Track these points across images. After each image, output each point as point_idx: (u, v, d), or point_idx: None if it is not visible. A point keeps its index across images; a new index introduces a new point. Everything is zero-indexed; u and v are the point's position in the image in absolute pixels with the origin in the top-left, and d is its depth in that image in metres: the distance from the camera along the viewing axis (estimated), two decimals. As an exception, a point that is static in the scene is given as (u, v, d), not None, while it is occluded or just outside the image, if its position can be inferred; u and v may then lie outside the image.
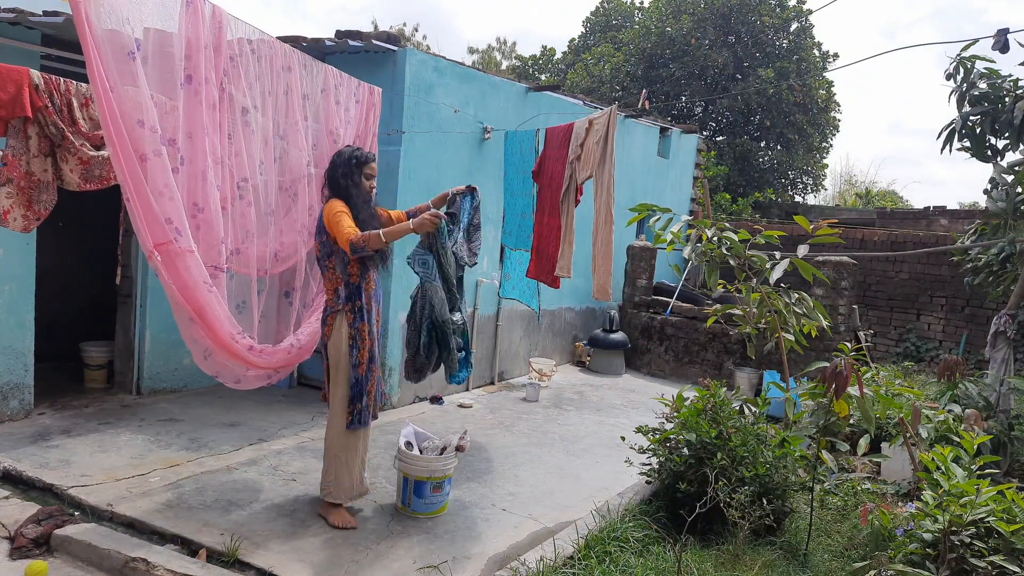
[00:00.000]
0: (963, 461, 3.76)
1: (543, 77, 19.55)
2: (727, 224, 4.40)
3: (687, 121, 15.66)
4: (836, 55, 16.27)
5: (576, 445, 5.74)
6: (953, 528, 3.09)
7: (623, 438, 4.75)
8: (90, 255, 6.91)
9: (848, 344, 4.05)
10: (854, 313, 7.99)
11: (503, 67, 23.05)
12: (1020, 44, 5.21)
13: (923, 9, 48.61)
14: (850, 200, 18.88)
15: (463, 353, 4.46)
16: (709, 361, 8.60)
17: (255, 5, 38.53)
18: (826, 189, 19.23)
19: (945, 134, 5.73)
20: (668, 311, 9.11)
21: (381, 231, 3.62)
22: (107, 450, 4.59)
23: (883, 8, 42.16)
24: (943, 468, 3.54)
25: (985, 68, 5.55)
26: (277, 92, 4.14)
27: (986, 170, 6.09)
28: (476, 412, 6.42)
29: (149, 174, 3.25)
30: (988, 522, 3.06)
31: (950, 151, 5.83)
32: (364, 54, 6.03)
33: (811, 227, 4.29)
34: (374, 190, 3.96)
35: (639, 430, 4.43)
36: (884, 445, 5.22)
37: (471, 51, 24.80)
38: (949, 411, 5.03)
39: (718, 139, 15.85)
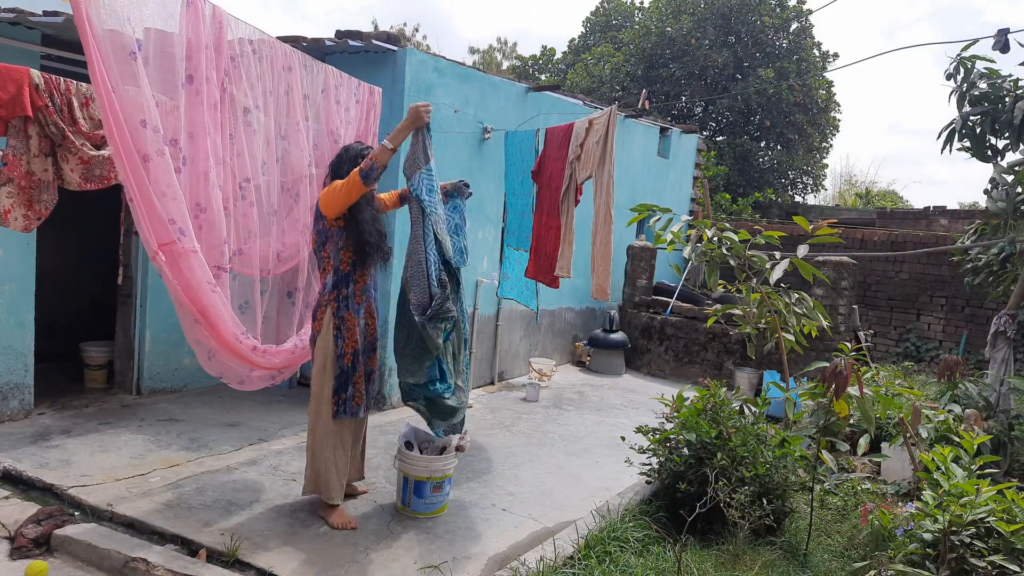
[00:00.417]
0: (963, 461, 3.76)
1: (543, 77, 19.56)
2: (727, 224, 4.41)
3: (687, 121, 15.67)
4: (836, 55, 16.29)
5: (576, 445, 5.74)
6: (953, 528, 3.09)
7: (623, 438, 4.75)
8: (90, 255, 6.91)
9: (848, 344, 4.05)
10: (854, 313, 7.99)
11: (504, 67, 23.05)
12: (1020, 44, 5.21)
13: (922, 9, 48.65)
14: (850, 200, 18.88)
15: (446, 384, 4.03)
16: (709, 361, 8.60)
17: (254, 5, 38.55)
18: (826, 189, 19.24)
19: (945, 134, 5.74)
20: (668, 311, 9.11)
21: (384, 141, 3.57)
22: (107, 450, 4.59)
23: (882, 8, 42.19)
24: (943, 468, 3.54)
25: (985, 68, 5.55)
26: (278, 92, 4.14)
27: (986, 170, 6.09)
28: (476, 412, 6.42)
29: (152, 174, 3.26)
30: (988, 522, 3.06)
31: (950, 151, 5.84)
32: (364, 54, 6.03)
33: (811, 227, 4.29)
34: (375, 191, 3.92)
35: (639, 430, 4.43)
36: (884, 445, 5.22)
37: (472, 51, 24.81)
38: (949, 411, 5.03)
39: (718, 139, 15.85)
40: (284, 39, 4.81)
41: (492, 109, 6.91)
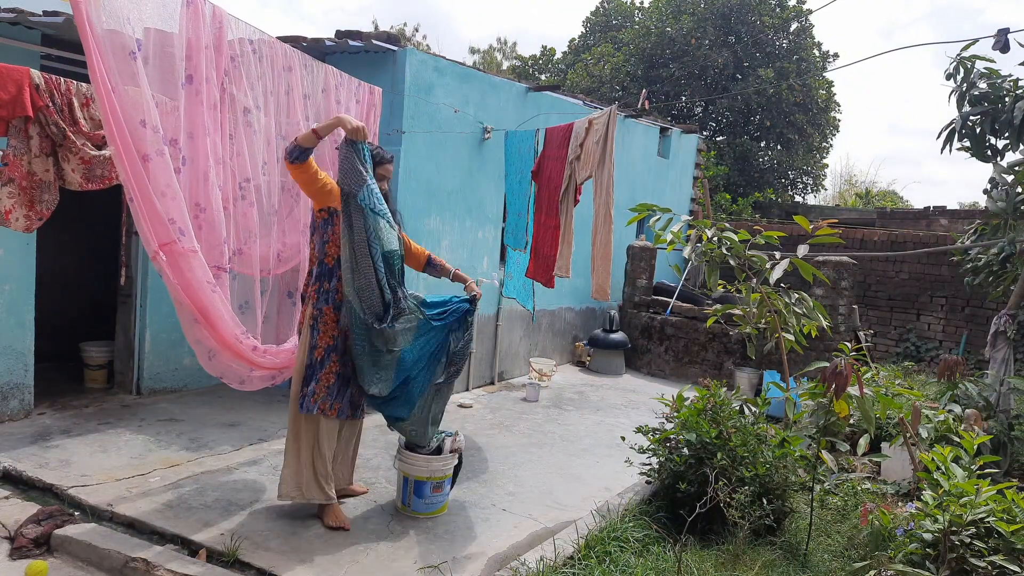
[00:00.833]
0: (963, 461, 3.76)
1: (543, 77, 19.56)
2: (727, 224, 4.41)
3: (687, 121, 15.67)
4: (836, 55, 16.30)
5: (576, 445, 5.74)
6: (953, 528, 3.09)
7: (623, 438, 4.75)
8: (90, 255, 6.91)
9: (848, 344, 4.05)
10: (854, 313, 7.99)
11: (504, 67, 23.05)
12: (1020, 44, 5.21)
13: (921, 9, 48.65)
14: (850, 200, 18.89)
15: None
16: (709, 361, 8.60)
17: (252, 5, 38.56)
18: (826, 189, 19.25)
19: (945, 134, 5.74)
20: (668, 311, 9.11)
21: (313, 126, 3.52)
22: (107, 450, 4.59)
23: (881, 8, 42.20)
24: (943, 468, 3.54)
25: (985, 68, 5.55)
26: (278, 92, 4.15)
27: (986, 170, 6.09)
28: (476, 412, 6.42)
29: (152, 174, 3.26)
30: (988, 522, 3.06)
31: (950, 151, 5.84)
32: (364, 54, 6.03)
33: (811, 227, 4.30)
34: (387, 192, 3.82)
35: (639, 430, 4.43)
36: (884, 445, 5.22)
37: (472, 51, 24.81)
38: (949, 411, 5.03)
39: (718, 139, 15.85)
40: (284, 39, 4.82)
41: (492, 109, 6.91)
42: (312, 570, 3.32)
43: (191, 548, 3.47)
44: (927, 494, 3.40)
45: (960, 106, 5.63)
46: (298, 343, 3.81)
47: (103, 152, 4.00)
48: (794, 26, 15.45)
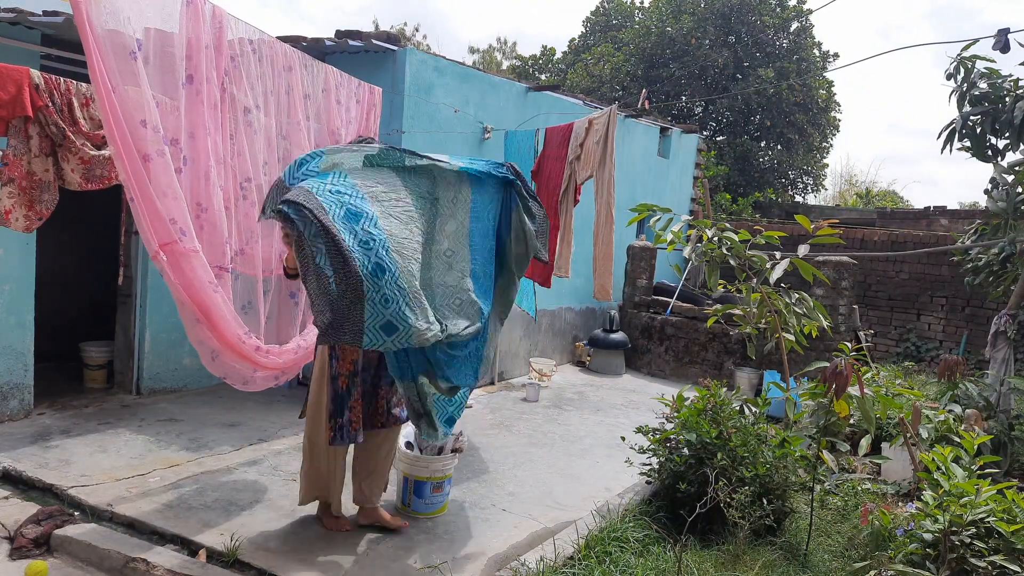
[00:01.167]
0: (963, 461, 3.76)
1: (543, 77, 19.56)
2: (727, 224, 4.41)
3: (687, 121, 15.67)
4: (836, 55, 16.30)
5: (576, 445, 5.73)
6: (953, 528, 3.09)
7: (623, 438, 4.74)
8: (90, 255, 6.91)
9: (848, 344, 4.05)
10: (854, 313, 7.99)
11: (504, 67, 23.06)
12: (1020, 44, 5.21)
13: (920, 9, 48.66)
14: (850, 200, 18.89)
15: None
16: (709, 361, 8.60)
17: (251, 5, 38.55)
18: (826, 189, 19.25)
19: (945, 134, 5.74)
20: (668, 311, 9.11)
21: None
22: (107, 450, 4.59)
23: (881, 8, 42.19)
24: (943, 468, 3.54)
25: (985, 68, 5.55)
26: (279, 92, 4.14)
27: (985, 170, 6.10)
28: (476, 412, 6.42)
29: (153, 174, 3.26)
30: (988, 522, 3.06)
31: (950, 151, 5.84)
32: (364, 54, 6.03)
33: (811, 227, 4.30)
34: None
35: (639, 430, 4.43)
36: (884, 445, 5.22)
37: (472, 51, 24.82)
38: (949, 411, 5.03)
39: (718, 139, 15.85)
40: (284, 39, 4.81)
41: (492, 109, 6.91)
42: (312, 570, 3.32)
43: (191, 548, 3.47)
44: (927, 494, 3.40)
45: (960, 106, 5.63)
46: (316, 355, 3.64)
47: (103, 152, 4.00)
48: (794, 26, 15.45)
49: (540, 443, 5.70)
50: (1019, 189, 5.85)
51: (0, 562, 3.31)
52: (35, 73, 3.79)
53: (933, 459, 3.64)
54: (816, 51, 15.79)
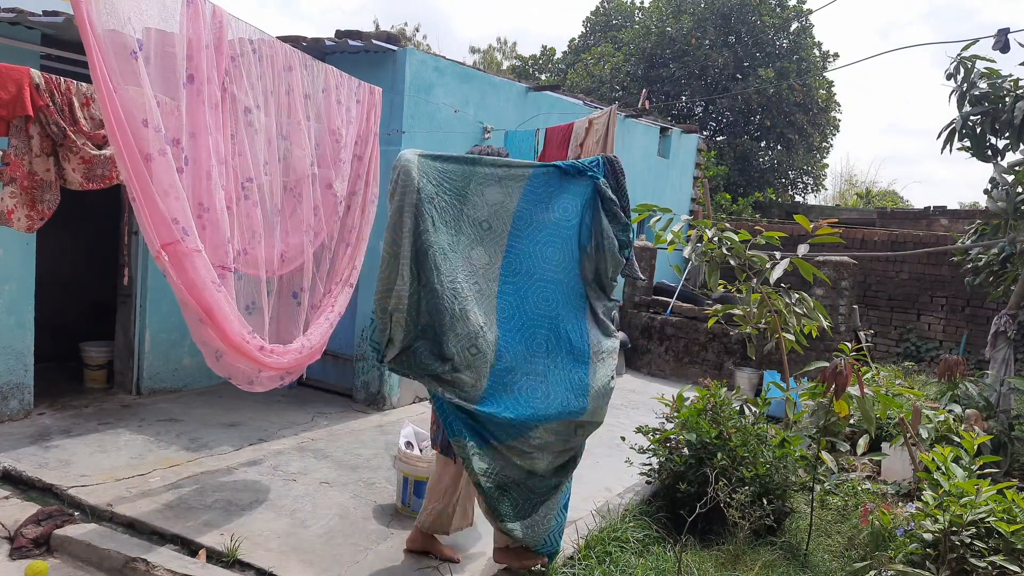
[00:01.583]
0: (963, 461, 3.76)
1: (543, 77, 19.56)
2: (727, 224, 4.41)
3: (687, 121, 15.67)
4: (836, 55, 16.31)
5: (576, 445, 5.72)
6: (953, 528, 3.09)
7: (623, 438, 4.74)
8: (90, 255, 6.91)
9: (848, 344, 4.06)
10: (854, 313, 7.99)
11: (504, 67, 23.06)
12: (1020, 44, 5.22)
13: (919, 9, 48.66)
14: (850, 200, 18.89)
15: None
16: (709, 361, 8.60)
17: (250, 5, 38.53)
18: (826, 189, 19.25)
19: (945, 134, 5.74)
20: (668, 311, 9.11)
21: None
22: (107, 450, 4.59)
23: (879, 8, 42.19)
24: (943, 468, 3.55)
25: (985, 68, 5.55)
26: (279, 92, 4.14)
27: (985, 170, 6.10)
28: (476, 412, 6.42)
29: (154, 174, 3.25)
30: (988, 522, 3.06)
31: (950, 151, 5.84)
32: (364, 54, 6.03)
33: (811, 227, 4.30)
34: None
35: (639, 430, 4.43)
36: (884, 445, 5.22)
37: (472, 51, 24.82)
38: (949, 411, 5.03)
39: (718, 139, 15.85)
40: (284, 39, 4.81)
41: (492, 109, 6.91)
42: (312, 570, 3.32)
43: (191, 548, 3.47)
44: (927, 494, 3.40)
45: (960, 106, 5.63)
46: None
47: (103, 151, 4.00)
48: (794, 26, 15.46)
49: (540, 443, 5.69)
50: (1019, 189, 5.85)
51: (0, 562, 3.31)
52: (36, 73, 3.79)
53: (933, 459, 3.64)
54: (816, 51, 15.79)
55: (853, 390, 3.73)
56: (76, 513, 3.73)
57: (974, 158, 5.73)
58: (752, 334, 4.56)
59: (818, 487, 3.96)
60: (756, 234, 4.41)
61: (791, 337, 4.48)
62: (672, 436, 4.19)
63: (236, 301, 3.74)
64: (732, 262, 4.35)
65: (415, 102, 6.01)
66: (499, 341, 3.09)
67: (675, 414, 4.33)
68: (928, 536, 3.17)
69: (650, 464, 4.30)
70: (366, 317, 6.19)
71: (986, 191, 6.23)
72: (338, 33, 5.80)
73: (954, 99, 5.67)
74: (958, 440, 4.28)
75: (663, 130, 10.27)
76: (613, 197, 3.31)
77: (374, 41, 5.73)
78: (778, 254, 4.51)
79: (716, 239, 4.33)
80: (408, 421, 4.47)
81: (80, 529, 3.52)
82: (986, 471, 3.96)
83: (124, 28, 3.12)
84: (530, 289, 3.21)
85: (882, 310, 10.32)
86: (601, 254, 3.31)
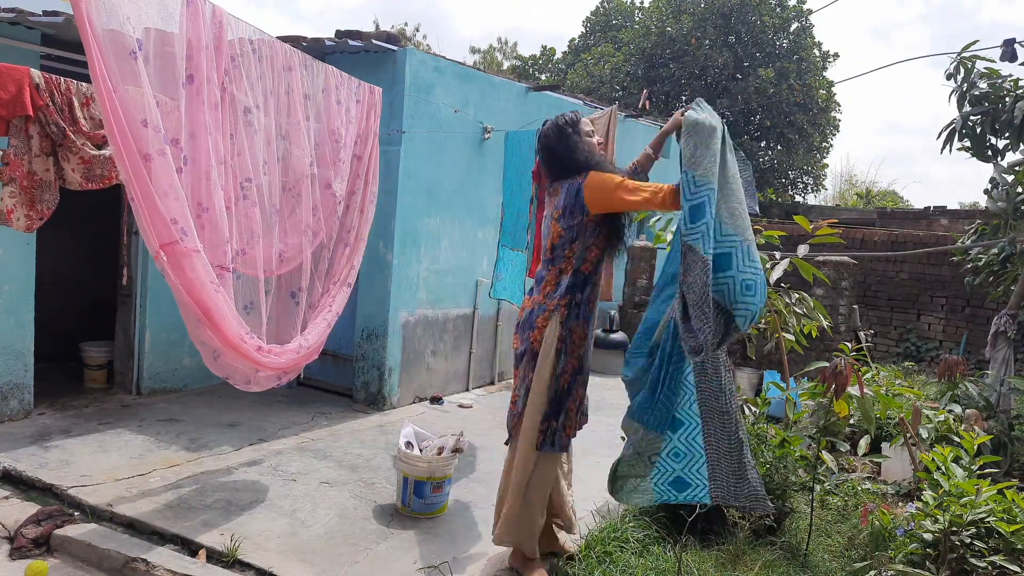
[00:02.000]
0: (963, 461, 3.76)
1: (543, 77, 19.57)
2: (727, 224, 4.39)
3: (687, 121, 15.64)
4: (836, 55, 16.34)
5: (576, 445, 5.71)
6: (953, 528, 3.09)
7: (623, 438, 4.73)
8: (90, 255, 6.91)
9: (848, 344, 4.06)
10: (854, 313, 7.99)
11: (504, 67, 23.06)
12: (1020, 44, 5.21)
13: (917, 8, 48.64)
14: (850, 200, 18.89)
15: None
16: (709, 361, 8.58)
17: (249, 5, 38.56)
18: (826, 189, 19.27)
19: (945, 134, 5.73)
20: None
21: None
22: (107, 450, 4.59)
23: (877, 7, 42.19)
24: (943, 468, 3.54)
25: (985, 68, 5.55)
26: (279, 92, 4.14)
27: (985, 170, 6.10)
28: (476, 412, 6.42)
29: (153, 174, 3.25)
30: (988, 522, 3.06)
31: (950, 151, 5.84)
32: (364, 54, 6.03)
33: (811, 227, 4.30)
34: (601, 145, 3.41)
35: (639, 430, 4.42)
36: (884, 445, 5.22)
37: (472, 51, 24.83)
38: (949, 411, 5.03)
39: (718, 139, 15.84)
40: (284, 39, 4.81)
41: (492, 109, 6.91)
42: (312, 570, 3.32)
43: (191, 548, 3.47)
44: (927, 494, 3.40)
45: (960, 106, 5.62)
46: (535, 369, 3.26)
47: (103, 151, 4.00)
48: (794, 26, 15.46)
49: (540, 443, 5.69)
50: (1019, 189, 5.85)
51: (0, 562, 3.31)
52: (35, 73, 3.79)
53: (933, 459, 3.64)
54: (816, 51, 15.79)
55: (853, 390, 3.73)
56: (76, 513, 3.73)
57: (974, 158, 5.73)
58: (752, 334, 4.56)
59: (818, 487, 3.96)
60: (756, 234, 4.41)
61: (791, 337, 4.48)
62: (672, 436, 4.18)
63: (234, 301, 3.74)
64: (732, 262, 4.33)
65: (415, 102, 6.01)
66: None
67: (675, 414, 4.32)
68: (928, 536, 3.17)
69: (650, 464, 4.29)
70: (366, 317, 6.20)
71: (986, 191, 6.23)
72: (338, 33, 5.80)
73: (954, 99, 5.67)
74: (958, 440, 4.27)
75: (663, 130, 10.27)
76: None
77: (374, 41, 5.73)
78: (778, 254, 4.51)
79: (716, 239, 4.31)
80: (408, 421, 4.48)
81: (80, 529, 3.52)
82: (986, 471, 3.96)
83: (124, 28, 3.12)
84: None
85: (882, 310, 10.32)
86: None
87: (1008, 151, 5.71)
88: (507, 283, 6.92)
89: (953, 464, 3.56)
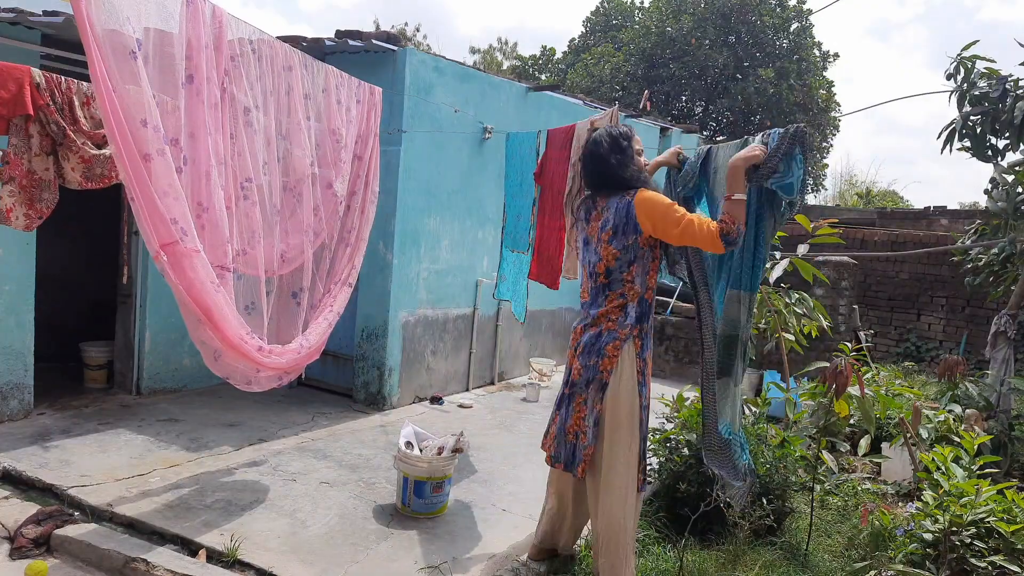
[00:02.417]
0: (963, 461, 3.76)
1: (543, 77, 19.58)
2: (727, 224, 4.39)
3: (687, 121, 15.67)
4: (836, 55, 16.37)
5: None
6: (953, 528, 3.09)
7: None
8: (90, 255, 6.91)
9: (848, 344, 4.06)
10: (854, 313, 7.99)
11: (504, 67, 23.06)
12: (1020, 44, 5.21)
13: (916, 8, 48.65)
14: (850, 200, 18.89)
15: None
16: (709, 361, 8.59)
17: (249, 5, 38.57)
18: (826, 189, 19.26)
19: (945, 134, 5.73)
20: (668, 311, 9.11)
21: (738, 193, 2.92)
22: (107, 450, 4.59)
23: (877, 7, 42.21)
24: (943, 468, 3.55)
25: (985, 68, 5.54)
26: (279, 92, 4.14)
27: (985, 170, 6.10)
28: (476, 412, 6.42)
29: (153, 174, 3.25)
30: (988, 522, 3.06)
31: (950, 151, 5.83)
32: (364, 54, 6.03)
33: (811, 227, 4.29)
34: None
35: (639, 430, 4.42)
36: (884, 445, 5.22)
37: (472, 51, 24.84)
38: (949, 411, 5.03)
39: (718, 139, 15.86)
40: (284, 39, 4.81)
41: (492, 109, 6.91)
42: (312, 570, 3.32)
43: (191, 548, 3.47)
44: (927, 494, 3.40)
45: (960, 106, 5.62)
46: (603, 402, 3.09)
47: (103, 151, 4.00)
48: (794, 26, 15.46)
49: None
50: (1019, 189, 5.85)
51: (0, 562, 3.31)
52: (36, 72, 3.79)
53: (933, 459, 3.64)
54: (816, 51, 15.80)
55: (853, 390, 3.73)
56: (76, 513, 3.73)
57: (974, 158, 5.72)
58: (752, 334, 4.56)
59: (818, 487, 3.96)
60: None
61: (791, 337, 4.48)
62: (672, 436, 4.19)
63: (235, 301, 3.74)
64: (732, 262, 4.33)
65: (415, 102, 6.01)
66: None
67: (675, 414, 4.33)
68: (928, 536, 3.17)
69: (650, 464, 4.30)
70: (366, 317, 6.20)
71: (986, 191, 6.23)
72: (338, 33, 5.80)
73: (954, 99, 5.66)
74: (958, 440, 4.28)
75: (663, 130, 10.27)
76: None
77: (374, 41, 5.73)
78: (778, 254, 4.51)
79: (716, 239, 4.31)
80: (408, 421, 4.48)
81: (80, 529, 3.52)
82: (986, 471, 3.96)
83: (123, 28, 3.12)
84: None
85: (882, 310, 10.32)
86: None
87: (1008, 151, 5.71)
88: (510, 284, 6.93)
89: (953, 464, 3.56)
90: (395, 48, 5.89)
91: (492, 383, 7.57)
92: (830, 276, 7.53)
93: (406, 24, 26.24)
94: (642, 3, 18.53)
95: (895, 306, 10.23)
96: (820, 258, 7.70)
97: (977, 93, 5.51)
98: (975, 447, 3.85)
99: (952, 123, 5.69)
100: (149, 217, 3.26)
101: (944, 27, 48.57)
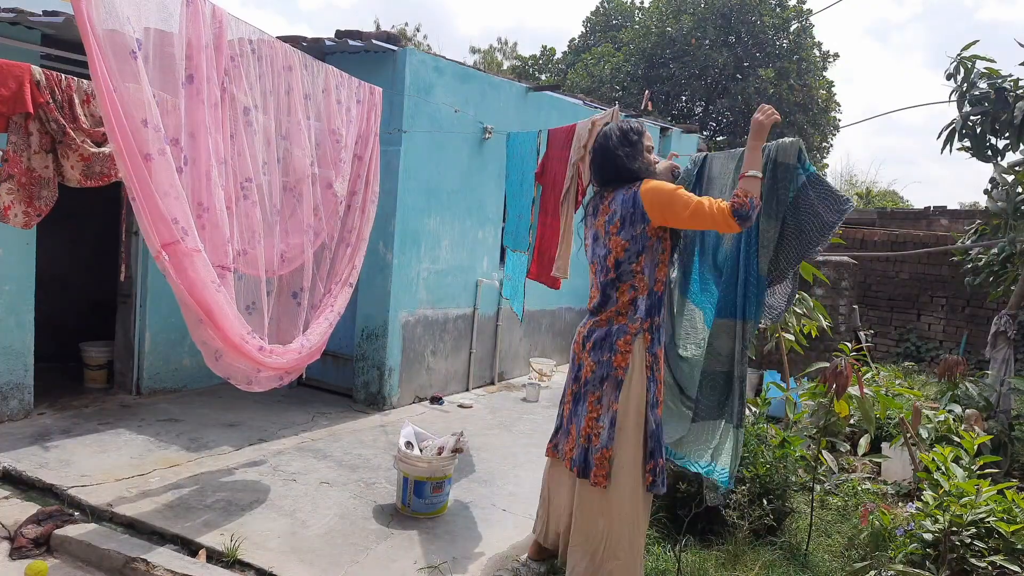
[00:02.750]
0: (963, 461, 3.76)
1: (543, 77, 19.58)
2: (727, 224, 4.40)
3: (687, 121, 15.68)
4: (836, 55, 16.36)
5: (576, 445, 5.72)
6: (953, 528, 3.09)
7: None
8: (90, 254, 6.91)
9: (848, 344, 4.06)
10: (854, 313, 7.99)
11: (504, 67, 23.06)
12: (1020, 44, 5.21)
13: (915, 8, 48.67)
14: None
15: None
16: (709, 361, 8.58)
17: (248, 5, 38.58)
18: (826, 189, 19.22)
19: (945, 134, 5.73)
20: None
21: (753, 170, 2.81)
22: (107, 450, 4.59)
23: (876, 7, 42.22)
24: (943, 468, 3.54)
25: (985, 68, 5.54)
26: (279, 92, 4.14)
27: (985, 170, 6.10)
28: (476, 412, 6.42)
29: (154, 173, 3.25)
30: (988, 522, 3.06)
31: (950, 151, 5.83)
32: (364, 54, 6.03)
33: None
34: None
35: (639, 430, 4.42)
36: (884, 445, 5.22)
37: (472, 51, 24.84)
38: (949, 411, 5.03)
39: (718, 139, 15.86)
40: (284, 39, 4.81)
41: (492, 109, 6.91)
42: (312, 570, 3.32)
43: (191, 548, 3.47)
44: (927, 494, 3.40)
45: (960, 106, 5.62)
46: (617, 397, 3.03)
47: (102, 149, 4.00)
48: (794, 26, 15.46)
49: (540, 443, 5.68)
50: (1019, 189, 5.85)
51: (0, 562, 3.31)
52: (36, 69, 3.78)
53: (933, 459, 3.64)
54: (816, 51, 15.80)
55: (853, 390, 3.73)
56: (76, 513, 3.73)
57: (974, 158, 5.72)
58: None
59: (818, 487, 3.96)
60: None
61: (791, 337, 4.48)
62: (672, 436, 4.18)
63: (236, 301, 3.74)
64: (732, 262, 4.34)
65: (415, 102, 6.01)
66: None
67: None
68: (928, 536, 3.17)
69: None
70: (366, 317, 6.20)
71: (986, 191, 6.23)
72: (338, 33, 5.80)
73: (954, 99, 5.66)
74: (958, 440, 4.28)
75: (663, 130, 10.27)
76: None
77: (374, 41, 5.73)
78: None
79: (716, 239, 4.32)
80: (408, 421, 4.47)
81: (80, 529, 3.52)
82: (986, 471, 3.96)
83: (123, 28, 3.12)
84: None
85: (882, 310, 10.32)
86: None
87: (1008, 151, 5.71)
88: (513, 283, 6.93)
89: (953, 464, 3.56)
90: (395, 48, 5.89)
91: (492, 383, 7.57)
92: (830, 276, 7.53)
93: (406, 24, 26.26)
94: (642, 3, 18.55)
95: (895, 306, 10.23)
96: (820, 258, 7.70)
97: (977, 93, 5.51)
98: (975, 447, 3.85)
99: (952, 123, 5.69)
100: (150, 217, 3.26)
101: (943, 27, 48.65)
